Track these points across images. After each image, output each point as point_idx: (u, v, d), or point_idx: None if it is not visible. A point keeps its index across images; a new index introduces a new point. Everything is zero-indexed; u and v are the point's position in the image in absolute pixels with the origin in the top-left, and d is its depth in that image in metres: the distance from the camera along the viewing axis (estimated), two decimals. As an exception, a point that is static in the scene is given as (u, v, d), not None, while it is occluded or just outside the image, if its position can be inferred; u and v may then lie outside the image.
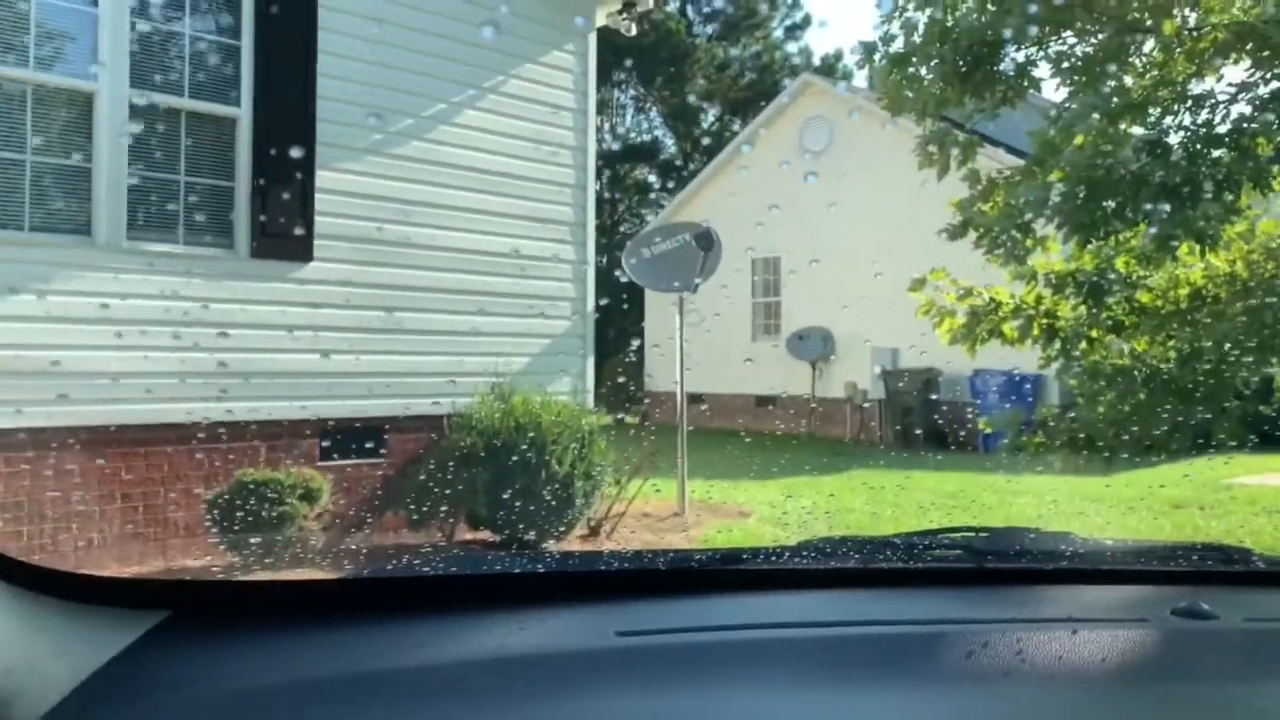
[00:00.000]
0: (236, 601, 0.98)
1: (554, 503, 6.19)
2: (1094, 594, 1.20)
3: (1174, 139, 5.23)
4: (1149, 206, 5.05)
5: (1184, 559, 1.32)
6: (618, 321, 17.40)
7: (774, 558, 1.16)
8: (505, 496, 6.03)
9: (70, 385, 5.26)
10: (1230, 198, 5.05)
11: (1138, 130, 5.36)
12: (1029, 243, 5.54)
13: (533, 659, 0.90)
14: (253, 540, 5.16)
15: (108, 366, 5.42)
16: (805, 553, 1.20)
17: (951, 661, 0.94)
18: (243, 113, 5.96)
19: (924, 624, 1.02)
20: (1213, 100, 5.15)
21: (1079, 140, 5.28)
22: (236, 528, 5.33)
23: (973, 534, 1.36)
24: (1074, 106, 5.31)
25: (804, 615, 1.03)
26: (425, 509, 6.23)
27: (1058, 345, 5.81)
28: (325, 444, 6.31)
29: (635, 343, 16.88)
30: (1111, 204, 5.07)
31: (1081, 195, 5.19)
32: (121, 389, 5.43)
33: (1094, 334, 5.76)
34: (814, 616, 1.02)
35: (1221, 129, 5.10)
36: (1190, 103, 5.22)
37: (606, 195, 23.62)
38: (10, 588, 0.77)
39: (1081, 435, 5.51)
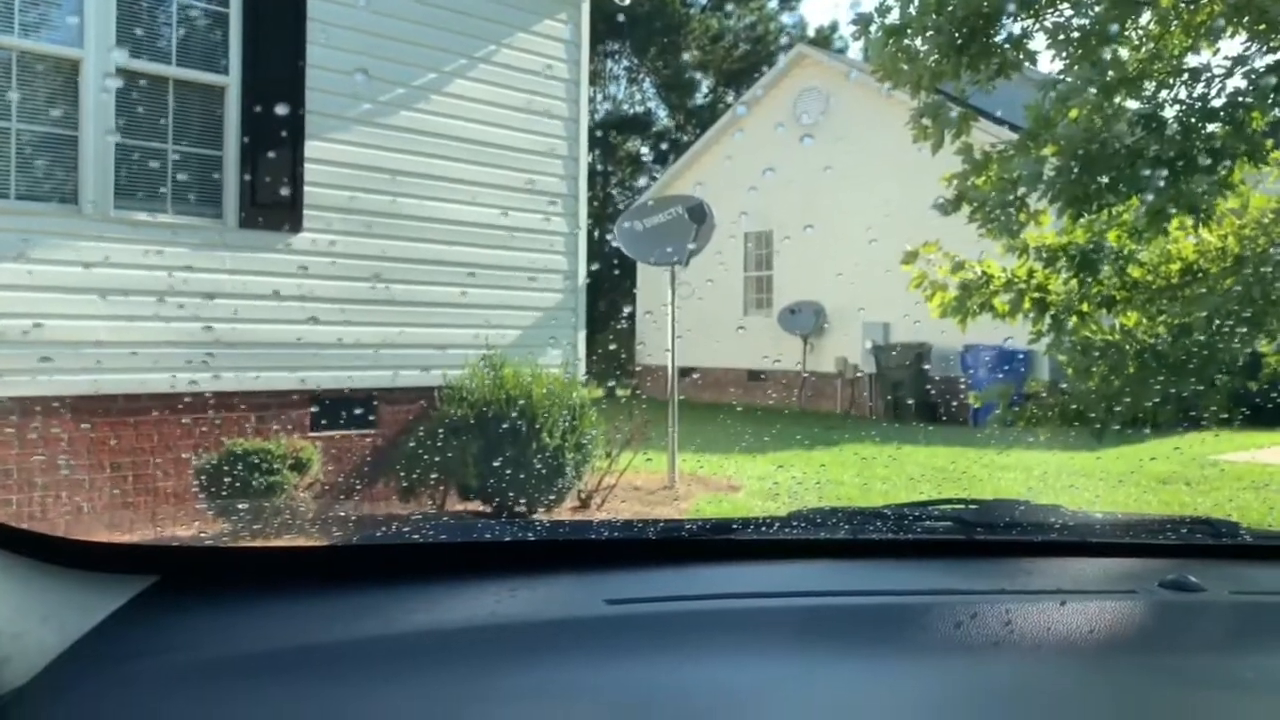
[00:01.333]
0: (225, 567, 0.98)
1: (544, 474, 6.20)
2: (1082, 566, 1.20)
3: (1169, 113, 5.22)
4: (1144, 178, 5.05)
5: (1172, 532, 1.33)
6: (609, 294, 17.36)
7: (764, 528, 1.16)
8: (495, 468, 6.04)
9: (58, 354, 5.24)
10: (1224, 171, 5.06)
11: (1132, 104, 5.35)
12: (1022, 217, 5.53)
13: (523, 626, 0.90)
14: (241, 506, 5.15)
15: (96, 335, 5.39)
16: (795, 523, 1.20)
17: (940, 632, 0.94)
18: (231, 81, 5.89)
19: (913, 594, 1.03)
20: (1208, 74, 5.13)
21: (1073, 114, 5.26)
22: (226, 496, 5.33)
23: (963, 506, 1.36)
24: (1069, 80, 5.28)
25: (793, 585, 1.03)
26: (415, 479, 6.23)
27: (1048, 319, 5.82)
28: (315, 414, 6.30)
29: (626, 315, 16.86)
30: (1105, 178, 5.07)
31: (1075, 169, 5.18)
32: (109, 358, 5.41)
33: (1084, 308, 5.77)
34: (803, 586, 1.02)
35: (1216, 103, 5.09)
36: (1186, 76, 5.21)
37: (599, 167, 23.50)
38: None
39: (1072, 407, 5.53)
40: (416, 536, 1.07)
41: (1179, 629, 1.03)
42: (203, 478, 5.40)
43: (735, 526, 1.15)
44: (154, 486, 5.65)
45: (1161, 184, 5.08)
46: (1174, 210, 5.15)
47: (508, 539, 1.10)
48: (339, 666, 0.82)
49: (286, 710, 0.76)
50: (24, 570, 0.79)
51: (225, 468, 5.35)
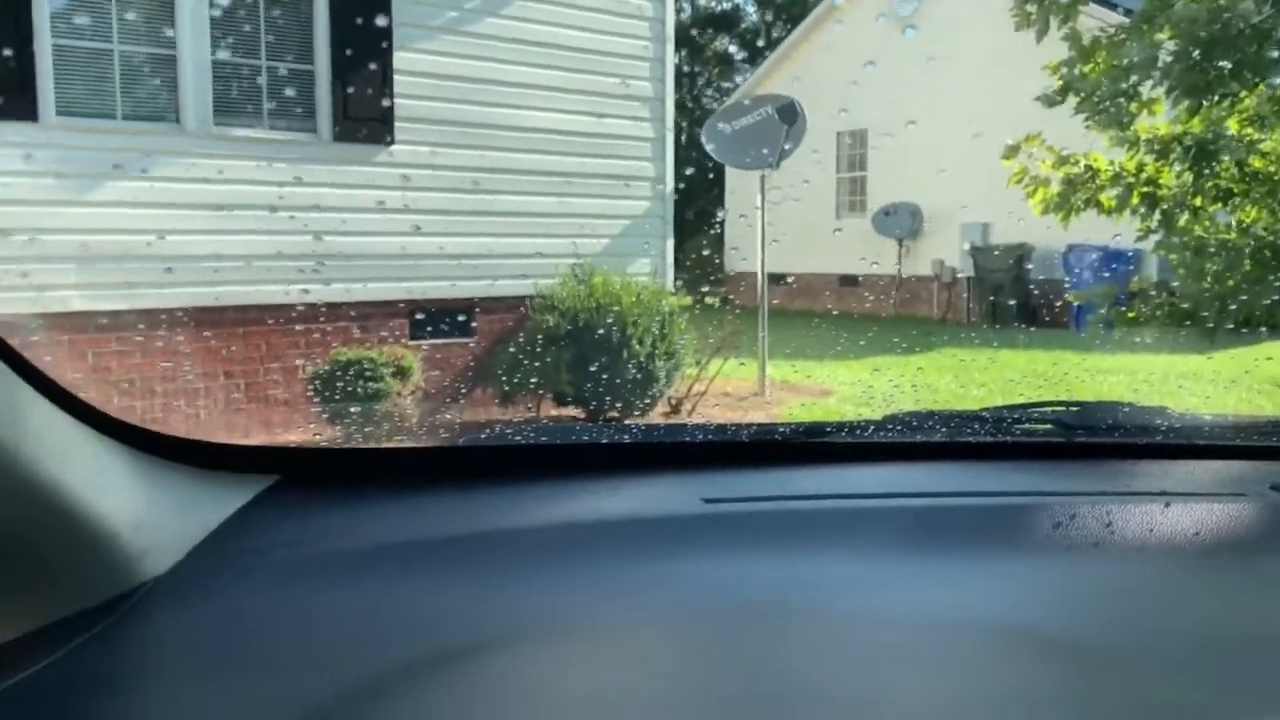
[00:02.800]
0: (341, 467, 1.03)
1: (636, 381, 6.27)
2: (1189, 468, 1.17)
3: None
4: (1271, 61, 4.71)
5: None
6: (698, 199, 17.15)
7: (859, 431, 1.16)
8: (588, 375, 6.13)
9: (169, 268, 5.46)
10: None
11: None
12: (1133, 107, 5.23)
13: (625, 523, 0.93)
14: (353, 409, 5.36)
15: (203, 249, 5.59)
16: (891, 426, 1.20)
17: (1040, 532, 0.94)
18: (319, -8, 5.92)
19: (1011, 495, 1.02)
20: (1349, -57, 4.71)
21: (1195, -8, 4.91)
22: (333, 402, 5.56)
23: (1063, 408, 1.33)
24: (1190, -45, 4.91)
25: (890, 486, 1.04)
26: (512, 386, 6.38)
27: (1158, 215, 5.55)
28: (415, 323, 6.46)
29: (716, 221, 16.66)
30: (1228, 63, 4.75)
31: (1195, 54, 4.86)
32: (217, 271, 5.62)
33: (1198, 203, 5.48)
34: (900, 488, 1.03)
35: (1356, -25, 4.69)
36: (1323, -54, 4.79)
37: (685, 68, 22.96)
38: (135, 451, 0.82)
39: (1182, 307, 5.30)
40: (520, 439, 1.10)
41: None
42: (312, 385, 5.63)
43: (830, 430, 1.16)
44: (265, 394, 5.91)
45: (1290, 67, 4.74)
46: (1304, 96, 4.82)
47: (606, 441, 1.13)
48: (453, 560, 0.86)
49: (406, 599, 0.81)
50: (158, 469, 0.84)
51: (332, 376, 5.56)
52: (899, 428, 1.19)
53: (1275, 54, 4.72)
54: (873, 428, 1.18)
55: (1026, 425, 1.24)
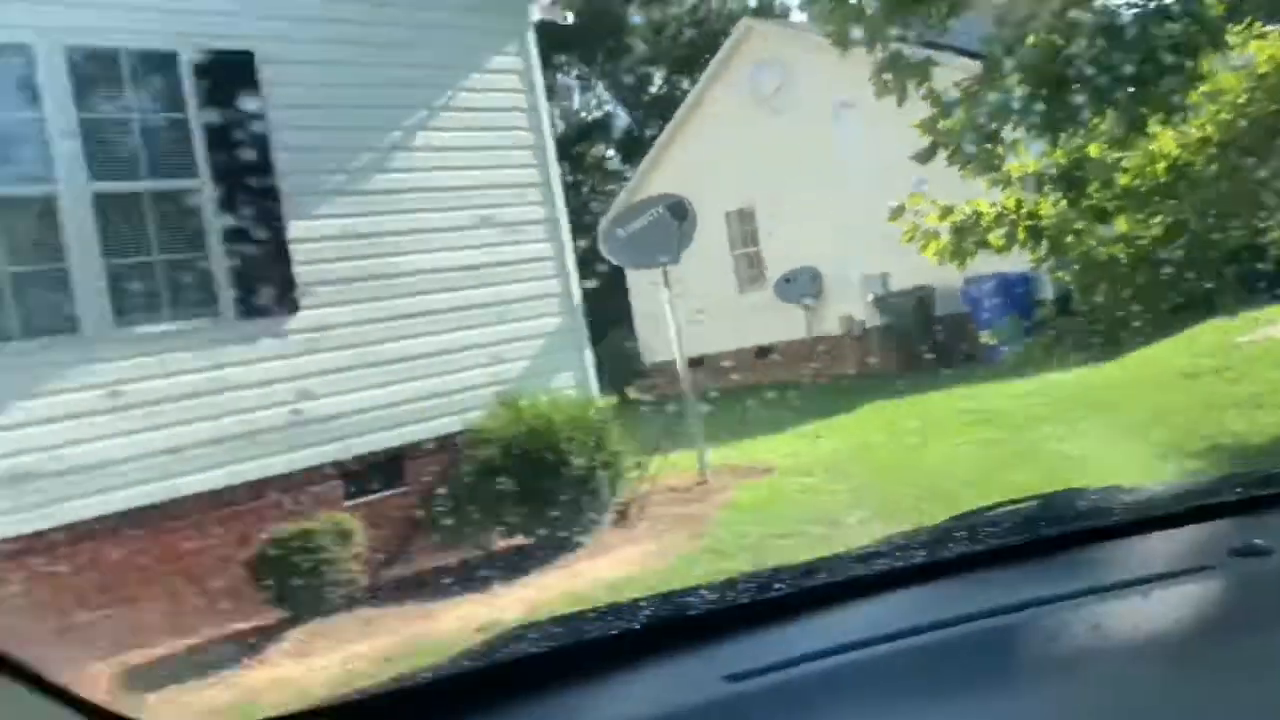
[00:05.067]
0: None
1: (580, 496, 6.23)
2: (1152, 544, 1.21)
3: (1126, 17, 5.21)
4: (1111, 89, 5.03)
5: (1233, 491, 1.32)
6: (606, 304, 17.34)
7: (847, 568, 1.18)
8: (532, 500, 6.08)
9: (83, 479, 5.28)
10: (1190, 64, 5.05)
11: (1087, 18, 5.33)
12: (1000, 150, 5.52)
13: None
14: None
15: (115, 454, 5.43)
16: (873, 557, 1.22)
17: (1035, 648, 0.96)
18: (203, 181, 5.91)
19: (1004, 613, 1.02)
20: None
21: (1031, 40, 5.25)
22: (277, 583, 5.35)
23: (1026, 503, 1.39)
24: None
25: (895, 623, 1.03)
26: (457, 526, 6.27)
27: (1045, 245, 5.83)
28: (346, 484, 6.33)
29: (626, 320, 16.84)
30: (1076, 99, 5.07)
31: (1044, 94, 5.18)
32: (133, 471, 5.46)
33: (1079, 226, 5.77)
34: (904, 623, 1.02)
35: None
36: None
37: (569, 179, 23.45)
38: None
39: (1097, 320, 5.53)
40: (526, 647, 1.06)
41: (1255, 603, 1.02)
42: (256, 571, 5.43)
43: (821, 570, 1.17)
44: (208, 588, 5.62)
45: (1131, 90, 5.07)
46: (1147, 113, 5.15)
47: (615, 633, 1.09)
48: None
49: None
50: None
51: (276, 555, 5.37)
52: (881, 558, 1.20)
53: (1112, 78, 5.04)
54: (856, 564, 1.20)
55: (997, 529, 1.28)
